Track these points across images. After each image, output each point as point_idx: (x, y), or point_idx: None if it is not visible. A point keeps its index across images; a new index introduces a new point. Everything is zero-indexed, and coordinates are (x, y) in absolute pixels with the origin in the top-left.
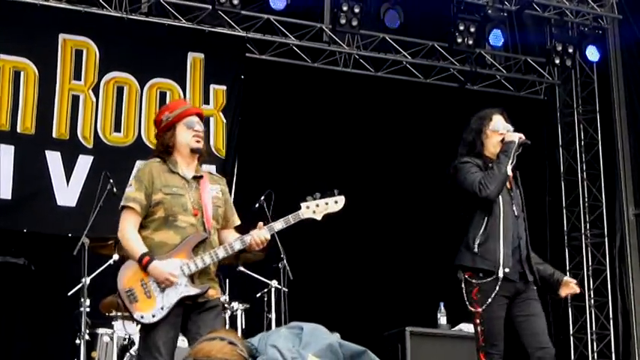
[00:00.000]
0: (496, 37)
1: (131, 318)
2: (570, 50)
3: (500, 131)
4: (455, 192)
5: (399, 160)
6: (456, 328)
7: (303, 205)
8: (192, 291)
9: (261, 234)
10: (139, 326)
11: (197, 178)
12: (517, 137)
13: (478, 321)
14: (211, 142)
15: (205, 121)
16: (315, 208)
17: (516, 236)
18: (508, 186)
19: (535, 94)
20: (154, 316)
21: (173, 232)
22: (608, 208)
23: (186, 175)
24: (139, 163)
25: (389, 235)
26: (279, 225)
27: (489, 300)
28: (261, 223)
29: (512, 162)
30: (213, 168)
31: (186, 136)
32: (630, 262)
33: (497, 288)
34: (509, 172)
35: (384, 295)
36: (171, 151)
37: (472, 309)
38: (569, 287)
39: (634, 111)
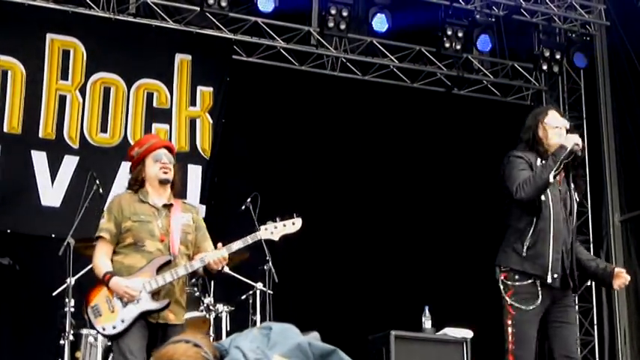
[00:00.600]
0: (484, 43)
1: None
2: (558, 56)
3: (557, 125)
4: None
5: (384, 163)
6: (441, 332)
7: (262, 227)
8: (153, 306)
9: (219, 253)
10: (108, 340)
11: (168, 206)
12: (571, 143)
13: (510, 322)
14: (198, 143)
15: (191, 122)
16: (273, 230)
17: (562, 240)
18: (560, 189)
19: (522, 100)
20: (114, 327)
21: (140, 256)
22: (593, 215)
23: (157, 203)
24: (124, 165)
25: (374, 239)
26: (237, 245)
27: (525, 305)
28: (220, 244)
29: (558, 169)
30: (199, 168)
31: (154, 168)
32: None
33: (540, 297)
34: (552, 180)
35: (369, 299)
36: (143, 184)
37: (506, 308)
38: (621, 277)
39: (621, 118)
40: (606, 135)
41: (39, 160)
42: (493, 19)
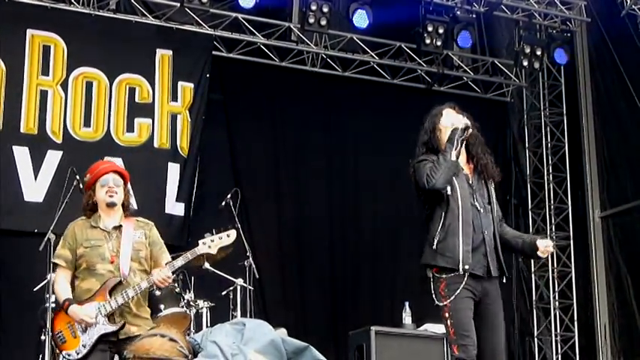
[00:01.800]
0: (464, 39)
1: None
2: (538, 52)
3: (452, 124)
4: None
5: (364, 159)
6: (421, 327)
7: (200, 242)
8: (109, 329)
9: (162, 273)
10: None
11: (118, 228)
12: (461, 123)
13: (447, 314)
14: (177, 141)
15: (173, 117)
16: (210, 244)
17: (480, 230)
18: (470, 181)
19: (502, 96)
20: (77, 353)
21: (95, 279)
22: (573, 211)
23: (107, 226)
24: (107, 160)
25: (355, 234)
26: (179, 262)
27: (457, 292)
28: (163, 263)
29: (456, 148)
30: (177, 166)
31: (101, 193)
32: (595, 264)
33: (464, 282)
34: (454, 158)
35: (349, 294)
36: (95, 208)
37: (440, 304)
38: (541, 243)
39: (601, 114)
40: (586, 131)
41: (21, 155)
42: (473, 16)
